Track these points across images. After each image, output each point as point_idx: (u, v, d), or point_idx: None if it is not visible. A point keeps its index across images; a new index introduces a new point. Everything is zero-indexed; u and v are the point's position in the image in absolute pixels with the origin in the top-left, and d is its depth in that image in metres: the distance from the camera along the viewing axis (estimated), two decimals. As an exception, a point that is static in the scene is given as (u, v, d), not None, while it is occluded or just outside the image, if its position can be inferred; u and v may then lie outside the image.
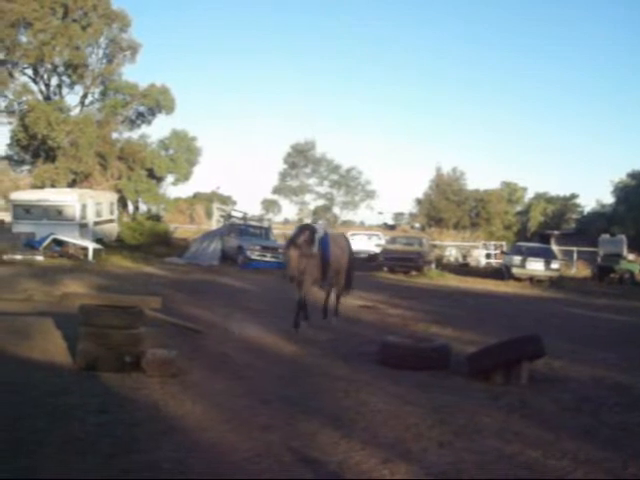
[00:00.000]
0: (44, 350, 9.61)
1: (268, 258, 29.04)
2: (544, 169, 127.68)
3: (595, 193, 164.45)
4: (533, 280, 29.75)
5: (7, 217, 32.59)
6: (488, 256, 41.34)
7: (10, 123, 42.01)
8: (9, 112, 42.02)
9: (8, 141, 43.12)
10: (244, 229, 32.51)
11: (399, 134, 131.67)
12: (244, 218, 36.18)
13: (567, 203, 72.33)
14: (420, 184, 73.08)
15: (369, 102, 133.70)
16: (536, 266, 30.22)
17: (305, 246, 12.61)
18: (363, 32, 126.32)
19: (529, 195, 77.33)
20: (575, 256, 39.14)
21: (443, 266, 35.55)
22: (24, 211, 30.69)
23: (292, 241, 12.75)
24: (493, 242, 45.99)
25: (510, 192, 74.80)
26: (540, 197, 73.77)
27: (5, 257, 24.92)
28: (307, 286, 13.11)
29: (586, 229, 51.50)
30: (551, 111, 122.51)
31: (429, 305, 19.17)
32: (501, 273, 32.30)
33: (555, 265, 30.68)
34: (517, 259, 30.79)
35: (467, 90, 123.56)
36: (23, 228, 29.17)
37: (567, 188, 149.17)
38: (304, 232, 12.99)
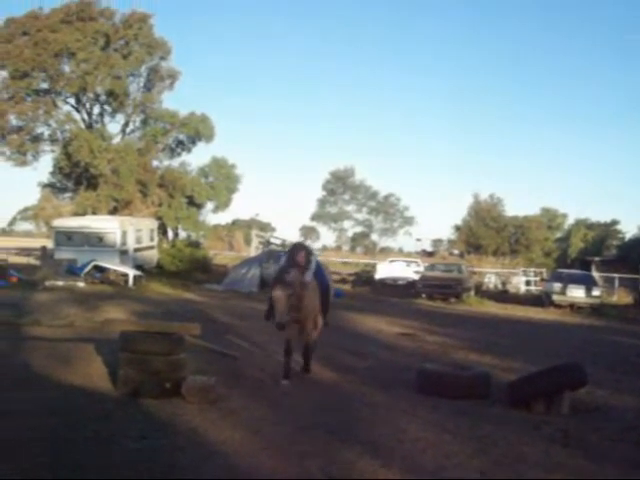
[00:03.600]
0: (86, 375, 9.72)
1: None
2: (585, 195, 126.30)
3: (637, 219, 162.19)
4: (574, 307, 29.32)
5: (49, 244, 33.01)
6: (528, 283, 40.88)
7: (53, 151, 42.73)
8: (52, 140, 42.75)
9: (51, 169, 43.86)
10: (283, 256, 32.39)
11: (437, 160, 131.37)
12: (283, 245, 36.26)
13: (608, 229, 71.41)
14: (458, 210, 73.02)
15: (407, 128, 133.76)
16: (577, 293, 29.83)
17: (299, 276, 10.27)
18: (401, 59, 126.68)
19: (569, 221, 76.59)
20: (617, 283, 38.57)
21: (482, 293, 35.25)
22: (66, 238, 31.07)
23: (280, 276, 10.27)
24: (533, 269, 45.61)
25: (550, 218, 74.22)
26: (580, 223, 72.96)
27: (47, 283, 25.24)
28: (310, 325, 10.81)
29: (627, 255, 50.73)
30: (592, 136, 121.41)
31: (468, 332, 19.00)
32: (541, 300, 31.94)
33: (596, 292, 30.25)
34: (557, 286, 30.42)
35: (505, 116, 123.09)
36: (65, 254, 29.51)
37: (608, 214, 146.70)
38: (299, 253, 10.67)
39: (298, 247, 11.25)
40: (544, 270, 44.51)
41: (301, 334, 10.73)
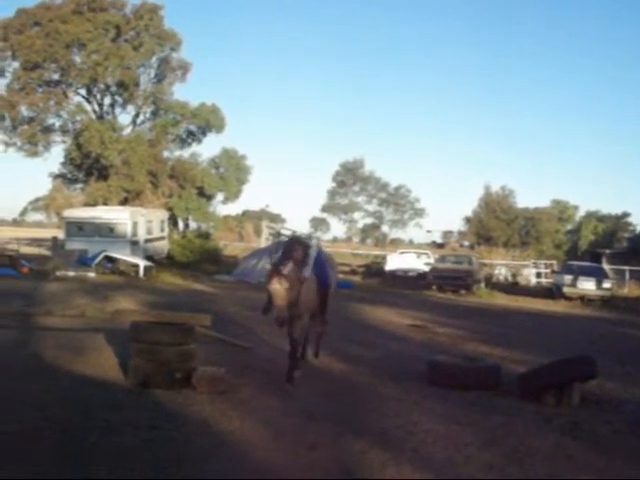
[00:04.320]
0: (97, 366, 9.77)
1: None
2: (596, 187, 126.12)
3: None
4: (584, 299, 29.18)
5: (60, 234, 33.12)
6: (538, 275, 40.77)
7: (64, 142, 42.87)
8: (63, 131, 42.87)
9: (62, 160, 43.99)
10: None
11: (448, 152, 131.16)
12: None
13: (619, 222, 71.27)
14: (469, 202, 72.94)
15: (417, 120, 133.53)
16: (587, 285, 29.71)
17: (296, 271, 9.57)
18: (411, 51, 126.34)
19: (580, 213, 76.51)
20: (627, 275, 38.39)
21: (492, 285, 35.16)
22: (77, 228, 31.20)
23: (276, 268, 9.42)
24: (543, 261, 45.48)
25: (561, 210, 74.05)
26: (591, 215, 72.82)
27: (58, 273, 25.37)
28: (304, 323, 10.22)
29: (638, 248, 50.55)
30: (604, 129, 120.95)
31: (478, 324, 18.97)
32: (551, 292, 31.86)
33: (607, 284, 30.12)
34: (568, 278, 30.33)
35: (517, 107, 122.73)
36: (76, 245, 29.64)
37: (619, 206, 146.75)
38: (295, 249, 9.85)
39: (294, 242, 10.26)
40: (554, 262, 44.39)
41: (300, 328, 10.10)
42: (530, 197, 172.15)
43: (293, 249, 9.77)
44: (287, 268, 9.27)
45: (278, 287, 9.16)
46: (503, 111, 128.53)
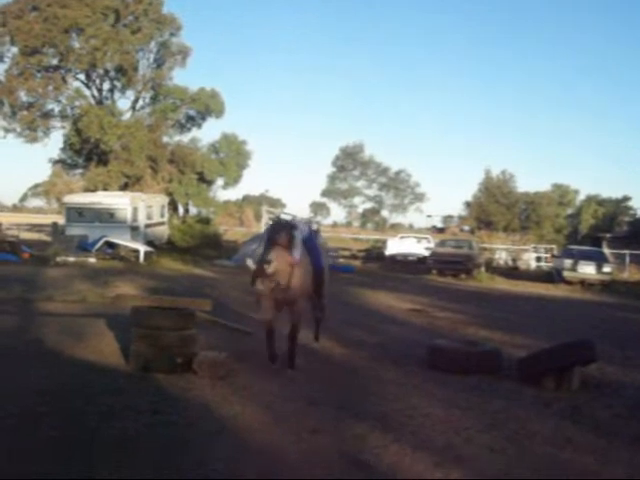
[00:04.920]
0: (98, 351, 9.79)
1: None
2: (596, 171, 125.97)
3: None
4: (584, 284, 29.17)
5: (61, 220, 33.13)
6: (538, 259, 40.78)
7: (64, 127, 42.81)
8: (63, 117, 42.78)
9: (62, 145, 43.95)
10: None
11: (448, 136, 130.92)
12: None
13: (619, 205, 71.31)
14: (469, 187, 73.15)
15: (417, 104, 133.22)
16: (588, 269, 29.72)
17: (284, 256, 9.01)
18: (410, 33, 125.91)
19: (580, 197, 76.50)
20: (628, 259, 38.45)
21: (493, 269, 35.20)
22: (77, 214, 31.22)
23: (260, 267, 8.87)
24: (543, 245, 45.54)
25: (561, 194, 74.07)
26: (592, 199, 72.83)
27: (59, 259, 25.39)
28: (298, 308, 9.64)
29: (639, 232, 50.57)
30: (603, 112, 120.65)
31: (478, 308, 19.00)
32: (551, 277, 31.88)
33: (607, 269, 30.14)
34: (568, 262, 30.34)
35: (516, 91, 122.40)
36: (76, 231, 29.64)
37: (619, 190, 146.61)
38: (279, 234, 9.23)
39: (276, 227, 9.62)
40: (555, 246, 44.43)
41: (289, 315, 9.60)
42: (530, 181, 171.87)
43: (276, 235, 9.22)
44: (272, 266, 8.71)
45: (262, 289, 8.81)
46: (503, 95, 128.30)
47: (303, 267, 9.38)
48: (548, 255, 40.46)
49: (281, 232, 9.23)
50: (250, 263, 8.87)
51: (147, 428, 6.48)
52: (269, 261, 8.75)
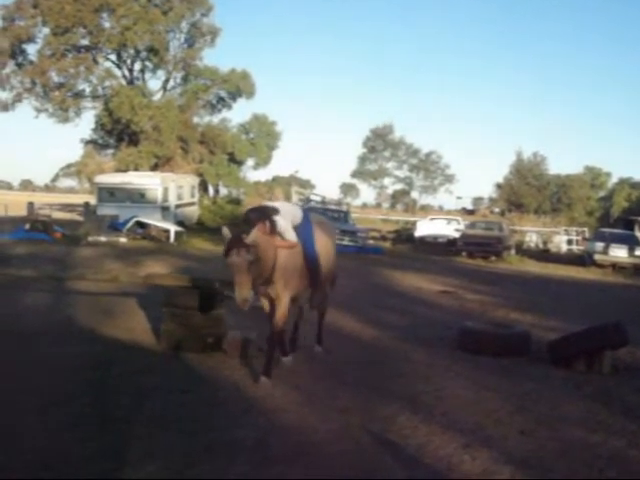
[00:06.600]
0: (129, 330, 9.88)
1: (346, 242, 28.81)
2: (629, 153, 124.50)
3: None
4: (616, 267, 28.86)
5: (92, 200, 33.39)
6: (569, 242, 40.43)
7: (95, 108, 43.09)
8: (94, 97, 43.05)
9: (93, 125, 44.24)
10: (322, 213, 32.50)
11: (479, 118, 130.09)
12: (322, 202, 36.23)
13: (653, 189, 70.32)
14: (500, 169, 72.86)
15: (449, 85, 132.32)
16: (619, 253, 29.38)
17: (268, 239, 7.53)
18: (441, 17, 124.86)
19: (613, 180, 75.57)
20: (660, 243, 37.97)
21: (523, 252, 34.96)
22: (108, 194, 31.45)
23: (237, 236, 7.20)
24: (575, 228, 45.11)
25: (593, 177, 73.26)
26: (624, 182, 71.91)
27: (90, 239, 25.61)
28: (285, 302, 8.00)
29: (673, 215, 49.85)
30: (637, 95, 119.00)
31: (509, 291, 18.89)
32: (583, 260, 31.57)
33: (639, 252, 29.82)
34: (600, 245, 30.01)
35: (549, 73, 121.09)
36: (107, 210, 29.85)
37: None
38: (258, 224, 7.48)
39: (253, 216, 7.65)
40: (586, 229, 44.02)
41: (271, 313, 8.18)
42: (562, 164, 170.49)
43: (256, 225, 7.46)
44: (251, 235, 7.18)
45: (237, 259, 7.05)
46: (536, 76, 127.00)
47: (292, 254, 7.94)
48: (579, 238, 40.09)
49: (261, 216, 7.61)
50: (226, 231, 7.33)
51: (178, 406, 6.55)
52: (248, 231, 7.28)
